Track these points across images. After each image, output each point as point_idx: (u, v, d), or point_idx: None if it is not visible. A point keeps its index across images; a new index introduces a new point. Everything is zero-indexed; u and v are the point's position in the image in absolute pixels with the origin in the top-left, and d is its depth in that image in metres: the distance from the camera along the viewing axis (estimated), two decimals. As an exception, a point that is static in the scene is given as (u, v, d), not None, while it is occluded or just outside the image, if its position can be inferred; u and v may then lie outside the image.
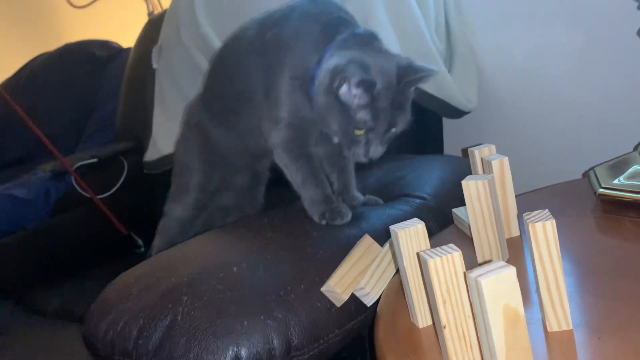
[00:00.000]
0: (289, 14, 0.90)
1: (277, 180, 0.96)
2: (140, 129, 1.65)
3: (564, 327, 0.51)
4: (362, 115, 0.78)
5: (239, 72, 0.97)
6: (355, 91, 0.77)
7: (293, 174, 0.88)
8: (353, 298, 0.70)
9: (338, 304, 0.69)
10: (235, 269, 0.71)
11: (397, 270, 0.71)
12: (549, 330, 0.51)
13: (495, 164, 0.71)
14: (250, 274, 0.70)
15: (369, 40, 0.84)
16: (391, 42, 1.17)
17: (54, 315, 1.30)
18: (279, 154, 0.90)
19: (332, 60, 0.80)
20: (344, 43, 0.82)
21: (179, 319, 0.65)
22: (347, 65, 0.77)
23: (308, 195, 0.86)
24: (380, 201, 0.95)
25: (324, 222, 0.83)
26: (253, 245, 0.78)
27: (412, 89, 0.82)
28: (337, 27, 0.85)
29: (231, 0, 1.47)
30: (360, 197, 0.96)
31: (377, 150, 0.81)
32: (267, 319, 0.64)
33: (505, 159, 0.71)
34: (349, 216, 0.82)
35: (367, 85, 0.76)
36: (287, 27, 0.89)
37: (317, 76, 0.82)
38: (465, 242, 0.75)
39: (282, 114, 0.88)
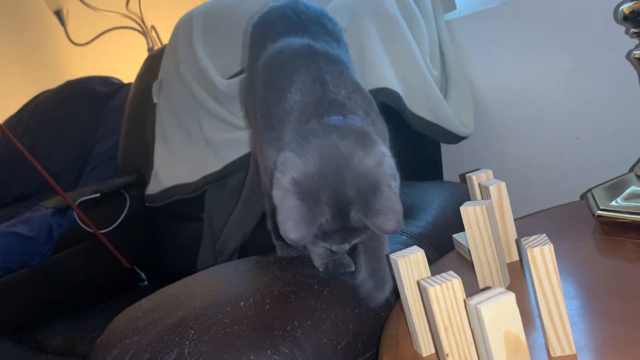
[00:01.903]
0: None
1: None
2: (141, 163, 1.67)
3: (567, 352, 0.51)
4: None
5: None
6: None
7: None
8: (358, 335, 0.70)
9: None
10: (242, 303, 0.71)
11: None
12: (552, 355, 0.51)
13: (492, 189, 0.71)
14: (257, 308, 0.70)
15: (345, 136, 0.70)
16: (387, 71, 1.19)
17: (57, 352, 1.29)
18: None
19: (283, 169, 0.69)
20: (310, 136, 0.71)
21: (185, 353, 0.65)
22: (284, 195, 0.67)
23: (311, 248, 0.83)
24: None
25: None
26: (260, 281, 0.78)
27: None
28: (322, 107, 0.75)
29: (229, 34, 1.50)
30: None
31: (340, 248, 0.73)
32: (273, 354, 0.63)
33: (503, 184, 0.72)
34: (351, 267, 0.80)
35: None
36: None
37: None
38: (467, 268, 0.75)
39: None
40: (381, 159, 0.69)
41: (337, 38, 0.89)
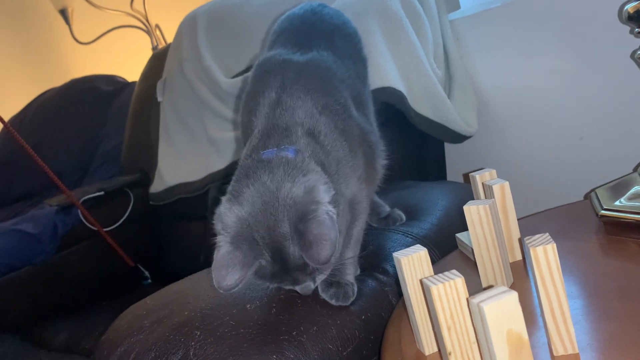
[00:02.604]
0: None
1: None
2: (145, 162, 1.67)
3: (570, 351, 0.51)
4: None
5: None
6: None
7: None
8: (363, 341, 0.70)
9: None
10: (248, 306, 0.71)
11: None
12: (554, 354, 0.51)
13: (496, 189, 0.71)
14: (264, 312, 0.70)
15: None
16: (391, 70, 1.19)
17: (61, 349, 1.30)
18: None
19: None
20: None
21: (191, 353, 0.65)
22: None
23: None
24: (403, 218, 0.94)
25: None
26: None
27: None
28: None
29: (233, 33, 1.50)
30: (385, 208, 0.95)
31: (303, 290, 0.70)
32: (279, 359, 0.63)
33: (506, 183, 0.72)
34: (357, 272, 0.78)
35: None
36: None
37: None
38: (470, 266, 0.75)
39: None
40: (312, 186, 0.64)
41: (342, 52, 0.86)
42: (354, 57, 0.89)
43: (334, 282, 0.72)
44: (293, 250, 0.64)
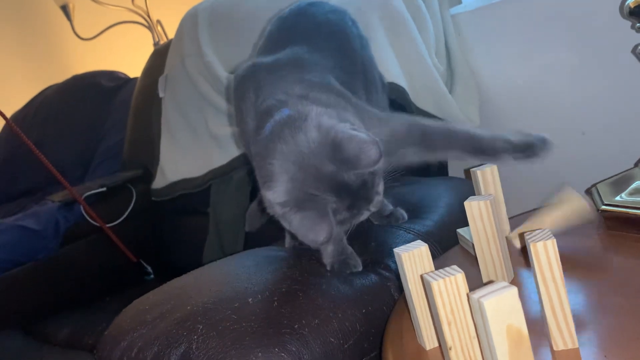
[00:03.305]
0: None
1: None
2: (147, 157, 1.67)
3: (570, 346, 0.51)
4: None
5: None
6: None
7: None
8: (364, 335, 0.71)
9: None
10: (250, 300, 0.71)
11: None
12: (554, 349, 0.51)
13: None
14: (265, 306, 0.70)
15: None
16: (392, 65, 1.19)
17: (64, 345, 1.30)
18: None
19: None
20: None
21: (193, 347, 0.65)
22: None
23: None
24: (405, 217, 0.95)
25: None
26: (268, 278, 0.78)
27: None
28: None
29: (234, 29, 1.50)
30: (388, 206, 0.95)
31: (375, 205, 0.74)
32: (280, 352, 0.64)
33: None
34: (358, 267, 0.80)
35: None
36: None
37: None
38: (470, 262, 0.76)
39: None
40: (318, 121, 0.68)
41: (322, 47, 0.87)
42: (340, 51, 0.89)
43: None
44: (348, 176, 0.67)
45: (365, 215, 0.74)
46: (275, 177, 0.69)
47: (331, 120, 0.68)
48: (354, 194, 0.69)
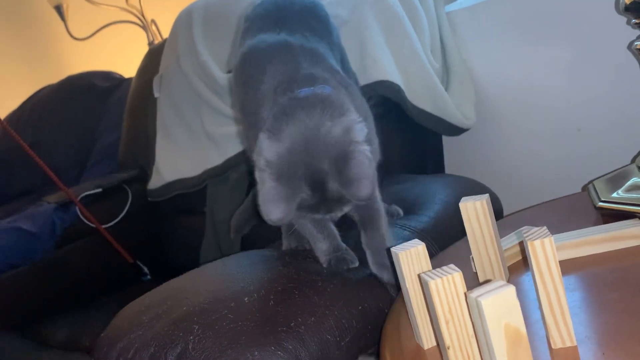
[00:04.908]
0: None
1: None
2: (143, 158, 1.67)
3: (568, 344, 0.51)
4: None
5: None
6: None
7: (299, 228, 0.85)
8: (361, 331, 0.70)
9: None
10: (246, 299, 0.71)
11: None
12: (553, 347, 0.51)
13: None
14: (261, 304, 0.70)
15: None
16: (387, 63, 1.19)
17: (62, 346, 1.30)
18: None
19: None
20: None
21: (190, 347, 0.65)
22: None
23: (315, 245, 0.83)
24: (401, 213, 0.95)
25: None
26: (264, 277, 0.78)
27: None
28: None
29: (229, 28, 1.50)
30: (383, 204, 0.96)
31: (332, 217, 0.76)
32: (277, 350, 0.64)
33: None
34: (355, 263, 0.80)
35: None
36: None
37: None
38: (467, 261, 0.75)
39: None
40: (349, 126, 0.68)
41: (321, 34, 0.88)
42: (329, 39, 0.90)
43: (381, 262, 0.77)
44: (332, 185, 0.68)
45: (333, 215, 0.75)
46: (281, 135, 0.68)
47: (360, 135, 0.68)
48: (325, 200, 0.70)
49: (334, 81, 0.76)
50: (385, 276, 0.77)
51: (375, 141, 0.85)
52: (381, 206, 0.81)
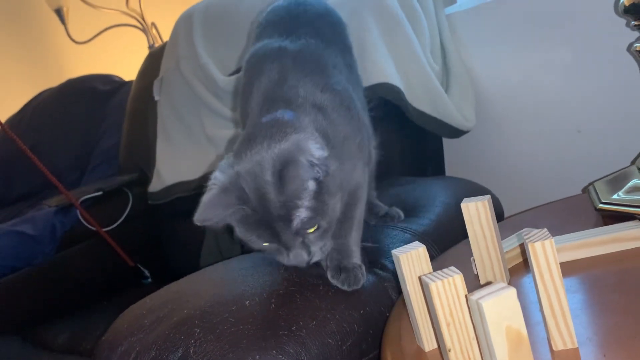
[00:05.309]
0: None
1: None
2: (143, 161, 1.67)
3: (569, 346, 0.51)
4: None
5: None
6: None
7: None
8: (362, 335, 0.70)
9: None
10: (247, 302, 0.71)
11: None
12: (554, 349, 0.51)
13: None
14: (263, 308, 0.70)
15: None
16: (387, 66, 1.19)
17: (62, 350, 1.30)
18: None
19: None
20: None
21: (191, 351, 0.65)
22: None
23: None
24: (402, 216, 0.95)
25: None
26: (265, 280, 0.78)
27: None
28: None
29: (229, 31, 1.50)
30: (383, 207, 0.95)
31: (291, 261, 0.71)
32: (278, 354, 0.63)
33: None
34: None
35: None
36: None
37: None
38: (468, 263, 0.75)
39: None
40: (300, 139, 0.67)
41: (331, 40, 0.88)
42: (340, 44, 0.90)
43: (342, 267, 0.74)
44: (274, 196, 0.66)
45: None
46: (238, 158, 0.69)
47: (312, 148, 0.66)
48: (269, 216, 0.67)
49: (310, 107, 0.75)
50: (339, 283, 0.74)
51: (372, 144, 0.85)
52: (359, 215, 0.79)
